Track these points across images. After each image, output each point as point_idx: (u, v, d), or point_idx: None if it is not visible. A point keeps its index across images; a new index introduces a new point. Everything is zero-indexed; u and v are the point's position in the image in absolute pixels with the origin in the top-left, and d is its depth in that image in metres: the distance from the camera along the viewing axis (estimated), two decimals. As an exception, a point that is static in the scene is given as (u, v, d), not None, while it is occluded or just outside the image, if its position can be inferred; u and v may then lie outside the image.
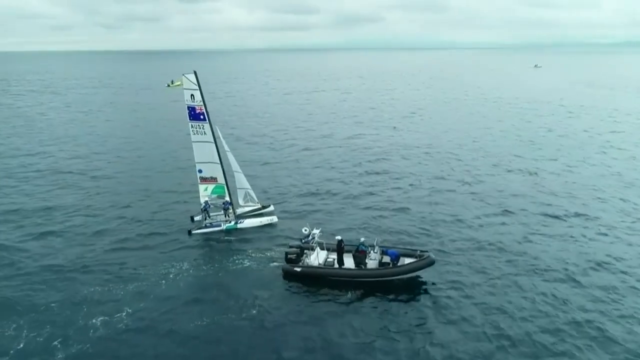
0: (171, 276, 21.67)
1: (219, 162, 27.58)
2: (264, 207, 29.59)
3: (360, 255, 21.22)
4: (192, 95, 26.27)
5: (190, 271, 22.29)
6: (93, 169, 40.55)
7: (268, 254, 23.75)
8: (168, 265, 22.65)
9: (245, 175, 29.14)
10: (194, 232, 26.49)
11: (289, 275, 21.39)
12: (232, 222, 27.38)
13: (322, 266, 21.45)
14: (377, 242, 22.13)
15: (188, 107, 26.49)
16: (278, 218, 28.27)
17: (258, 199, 29.51)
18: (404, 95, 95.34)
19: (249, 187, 28.94)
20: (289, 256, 21.69)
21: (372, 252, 21.41)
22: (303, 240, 22.19)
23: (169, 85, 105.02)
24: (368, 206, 30.89)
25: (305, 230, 22.21)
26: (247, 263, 22.97)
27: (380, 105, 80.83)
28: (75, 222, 28.22)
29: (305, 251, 21.89)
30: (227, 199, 27.98)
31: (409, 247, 23.01)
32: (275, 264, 22.59)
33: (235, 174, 28.37)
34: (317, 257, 21.74)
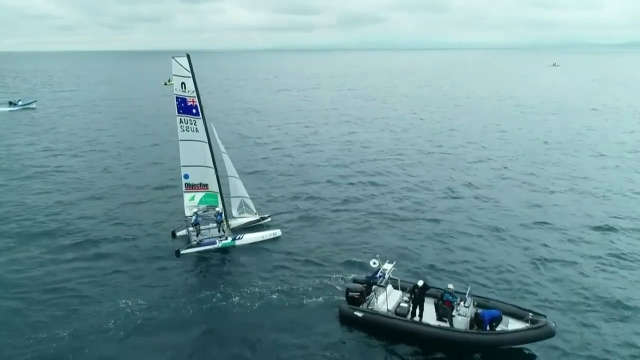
0: (158, 321, 16.62)
1: (212, 166, 23.13)
2: (262, 219, 25.16)
3: (444, 307, 15.68)
4: (182, 83, 21.79)
5: (189, 310, 17.31)
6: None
7: (295, 282, 19.06)
8: (153, 304, 17.62)
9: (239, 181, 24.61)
10: (182, 251, 21.95)
11: (347, 320, 16.36)
12: (229, 239, 22.90)
13: (393, 315, 16.07)
14: (469, 291, 16.23)
15: (177, 98, 22.03)
16: (282, 231, 23.89)
17: (256, 209, 25.09)
18: (441, 109, 69.98)
19: (245, 194, 24.48)
20: (350, 294, 16.56)
21: (461, 304, 15.66)
22: (372, 280, 16.84)
23: (165, 84, 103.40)
24: (399, 217, 26.13)
25: (374, 263, 17.01)
26: (267, 295, 18.16)
27: (419, 121, 58.96)
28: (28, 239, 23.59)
29: (373, 289, 16.95)
30: (218, 209, 23.50)
31: (513, 304, 16.30)
32: (317, 299, 17.82)
33: (229, 179, 23.94)
34: (386, 300, 16.46)
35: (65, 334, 15.92)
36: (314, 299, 17.85)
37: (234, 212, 24.40)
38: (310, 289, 18.58)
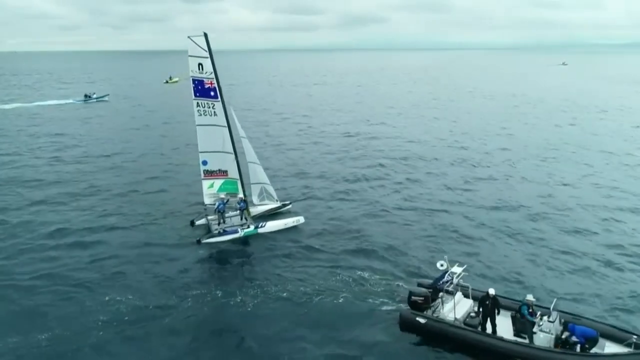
0: (180, 317, 15.47)
1: (232, 151, 22.25)
2: (283, 205, 24.26)
3: (523, 321, 13.60)
4: (199, 64, 20.92)
5: (207, 302, 16.19)
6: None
7: (332, 277, 17.73)
8: (174, 298, 16.54)
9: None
10: (204, 240, 21.03)
11: (408, 326, 14.57)
12: (252, 227, 21.96)
13: (461, 325, 14.10)
14: (554, 305, 13.88)
15: (194, 81, 21.16)
16: (304, 218, 23.00)
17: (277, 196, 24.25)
18: (475, 116, 58.17)
19: (266, 181, 23.62)
20: (413, 298, 14.73)
21: (544, 319, 13.46)
22: (440, 282, 14.89)
23: (167, 82, 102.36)
24: (437, 208, 24.83)
25: (442, 265, 15.04)
26: (302, 291, 16.80)
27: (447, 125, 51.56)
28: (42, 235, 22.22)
29: (440, 294, 15.12)
30: (241, 196, 22.64)
31: (611, 324, 13.88)
32: (368, 300, 16.13)
33: (249, 165, 23.12)
34: (454, 309, 14.57)
35: (82, 325, 15.02)
36: (360, 300, 16.23)
37: (255, 199, 23.57)
38: (351, 286, 17.12)
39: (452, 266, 15.14)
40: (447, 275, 14.78)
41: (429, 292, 14.85)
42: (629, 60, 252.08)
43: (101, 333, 14.59)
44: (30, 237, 21.68)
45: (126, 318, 15.40)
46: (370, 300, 16.23)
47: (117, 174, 32.21)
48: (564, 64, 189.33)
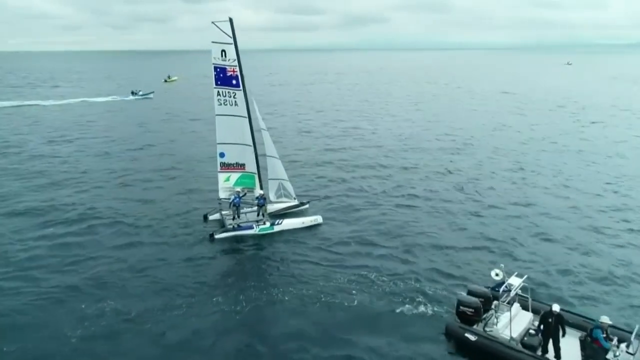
0: (189, 315, 14.50)
1: (251, 144, 21.18)
2: (301, 204, 23.16)
3: (594, 347, 11.42)
4: (222, 51, 19.85)
5: (218, 301, 15.18)
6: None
7: (357, 279, 16.38)
8: (184, 295, 15.55)
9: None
10: (217, 236, 20.03)
11: (455, 341, 12.83)
12: (267, 224, 20.88)
13: (518, 347, 12.07)
14: (637, 331, 11.74)
15: (216, 68, 20.09)
16: (323, 218, 21.88)
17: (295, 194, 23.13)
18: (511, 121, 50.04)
19: (285, 177, 22.48)
20: (462, 308, 12.84)
21: (621, 347, 11.23)
22: (496, 289, 13.23)
23: (165, 81, 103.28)
24: (486, 209, 23.15)
25: (497, 275, 13.19)
26: (323, 293, 15.52)
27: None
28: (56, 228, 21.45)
29: (494, 305, 12.98)
30: (261, 191, 21.55)
31: None
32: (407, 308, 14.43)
33: (268, 159, 21.99)
34: (510, 325, 12.36)
35: (92, 324, 14.09)
36: (393, 306, 14.71)
37: (272, 196, 22.44)
38: (382, 290, 15.69)
39: (509, 276, 13.23)
40: (503, 287, 12.86)
41: (481, 301, 13.04)
42: (632, 61, 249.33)
43: (109, 330, 13.78)
44: (45, 221, 21.05)
45: (133, 314, 14.50)
46: (407, 306, 14.76)
47: (132, 164, 31.74)
48: (568, 63, 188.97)
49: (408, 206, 24.04)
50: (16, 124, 48.39)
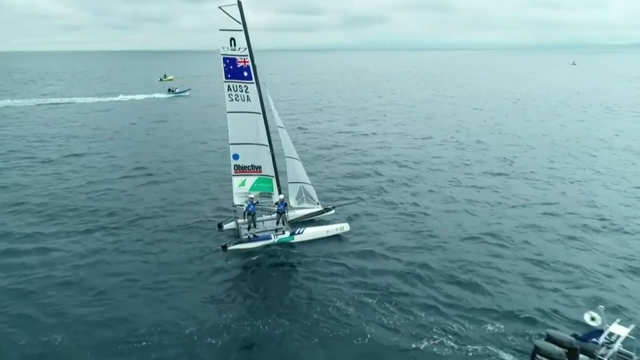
0: (197, 334, 12.66)
1: (267, 143, 18.76)
2: (325, 210, 20.75)
3: None
4: (231, 39, 17.38)
5: (230, 321, 13.21)
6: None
7: (385, 303, 13.93)
8: (192, 311, 13.69)
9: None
10: (230, 247, 17.66)
11: None
12: (287, 233, 18.47)
13: None
14: None
15: (225, 59, 17.61)
16: (350, 226, 19.47)
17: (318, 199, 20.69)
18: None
19: (306, 180, 20.06)
20: (538, 357, 9.98)
21: None
22: (589, 339, 10.41)
23: (161, 80, 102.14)
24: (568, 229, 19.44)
25: (593, 319, 10.37)
26: (354, 321, 13.08)
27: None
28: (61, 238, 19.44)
29: (596, 354, 10.03)
30: (281, 196, 19.14)
31: None
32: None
33: (287, 160, 19.57)
34: None
35: (97, 336, 12.38)
36: (438, 344, 12.06)
37: (292, 202, 20.02)
38: (425, 323, 13.02)
39: (610, 323, 10.48)
40: (603, 337, 10.14)
41: (565, 352, 9.96)
42: (636, 60, 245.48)
43: (119, 346, 12.28)
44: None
45: (142, 331, 12.79)
46: (455, 346, 12.09)
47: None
48: (573, 63, 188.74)
49: (449, 211, 21.41)
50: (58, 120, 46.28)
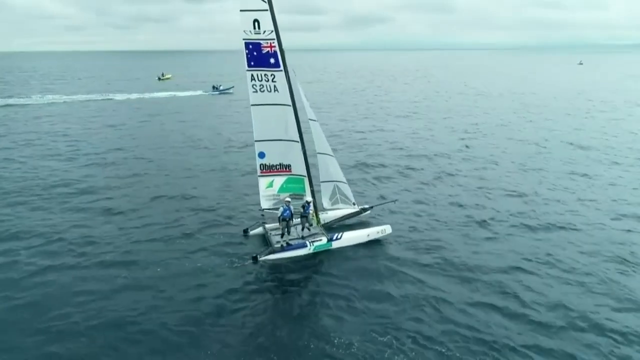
0: None
1: (297, 139, 16.63)
2: (363, 210, 18.68)
3: None
4: (255, 21, 15.11)
5: (259, 347, 11.13)
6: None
7: (448, 324, 11.76)
8: (216, 334, 11.63)
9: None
10: (262, 258, 15.54)
11: None
12: (324, 239, 16.35)
13: None
14: None
15: (247, 45, 15.34)
16: (393, 228, 17.40)
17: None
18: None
19: (341, 178, 17.97)
20: None
21: None
22: None
23: (159, 79, 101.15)
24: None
25: None
26: (406, 346, 10.91)
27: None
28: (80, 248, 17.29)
29: None
30: (309, 198, 17.06)
31: None
32: None
33: (319, 157, 17.48)
34: None
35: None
36: None
37: (325, 203, 17.94)
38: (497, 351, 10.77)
39: None
40: None
41: None
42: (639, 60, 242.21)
43: None
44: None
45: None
46: None
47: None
48: (580, 63, 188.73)
49: (522, 227, 18.33)
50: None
